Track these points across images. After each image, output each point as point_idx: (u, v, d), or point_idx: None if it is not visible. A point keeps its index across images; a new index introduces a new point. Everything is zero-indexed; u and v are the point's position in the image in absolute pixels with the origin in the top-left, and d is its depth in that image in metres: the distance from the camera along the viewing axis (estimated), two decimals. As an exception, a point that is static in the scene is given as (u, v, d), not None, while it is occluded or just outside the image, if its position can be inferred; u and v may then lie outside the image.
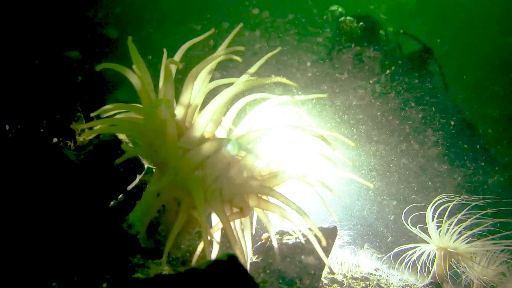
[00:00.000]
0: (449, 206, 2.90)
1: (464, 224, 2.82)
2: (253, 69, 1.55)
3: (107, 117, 1.58)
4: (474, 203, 2.89)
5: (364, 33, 4.64)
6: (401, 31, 5.17)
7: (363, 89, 4.42)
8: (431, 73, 4.97)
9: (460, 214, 2.87)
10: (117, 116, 1.58)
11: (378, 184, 4.71)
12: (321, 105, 4.76)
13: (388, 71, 4.56)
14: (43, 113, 1.62)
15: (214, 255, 1.52)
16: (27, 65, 1.93)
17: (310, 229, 1.34)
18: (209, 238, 1.20)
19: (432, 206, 2.93)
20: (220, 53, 1.46)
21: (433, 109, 4.75)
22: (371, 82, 4.48)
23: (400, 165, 4.69)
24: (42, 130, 1.59)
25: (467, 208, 2.90)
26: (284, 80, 1.45)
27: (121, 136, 1.84)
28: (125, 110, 1.56)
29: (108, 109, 1.58)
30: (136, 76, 1.46)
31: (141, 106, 1.46)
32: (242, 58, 1.47)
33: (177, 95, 1.46)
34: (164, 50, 1.53)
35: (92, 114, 1.59)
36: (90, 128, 1.58)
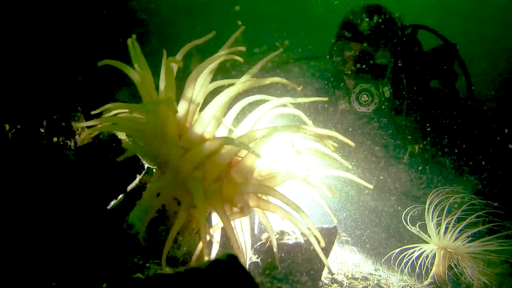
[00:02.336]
0: (448, 205, 2.89)
1: (464, 223, 2.82)
2: (254, 69, 1.55)
3: (107, 116, 1.59)
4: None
5: (373, 28, 3.96)
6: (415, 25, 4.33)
7: (366, 93, 4.10)
8: (453, 75, 4.29)
9: (459, 211, 2.86)
10: (118, 115, 1.58)
11: (381, 184, 4.63)
12: (324, 109, 4.62)
13: (400, 74, 4.10)
14: (43, 113, 1.62)
15: (214, 255, 1.52)
16: (27, 64, 1.93)
17: (309, 229, 1.34)
18: (208, 238, 1.20)
19: (432, 206, 2.92)
20: (222, 54, 1.46)
21: (450, 114, 4.31)
22: (379, 85, 4.06)
23: (403, 165, 4.61)
24: (42, 130, 1.59)
25: (466, 204, 2.89)
26: (284, 81, 1.45)
27: (122, 136, 1.85)
28: (125, 110, 1.56)
29: (108, 108, 1.58)
30: (137, 74, 1.46)
31: (141, 105, 1.46)
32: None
33: (178, 96, 1.46)
34: (164, 51, 1.53)
35: (92, 113, 1.60)
36: (90, 127, 1.58)
